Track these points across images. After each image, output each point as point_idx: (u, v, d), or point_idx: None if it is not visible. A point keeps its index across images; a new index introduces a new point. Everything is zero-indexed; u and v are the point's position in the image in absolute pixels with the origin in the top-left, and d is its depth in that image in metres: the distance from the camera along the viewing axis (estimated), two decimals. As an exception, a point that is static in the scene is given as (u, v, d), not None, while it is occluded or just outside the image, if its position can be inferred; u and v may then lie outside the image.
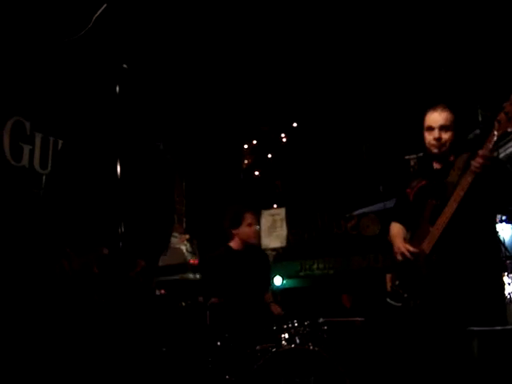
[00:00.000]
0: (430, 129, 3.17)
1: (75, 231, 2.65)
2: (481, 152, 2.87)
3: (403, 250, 3.11)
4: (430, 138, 3.18)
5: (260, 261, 4.66)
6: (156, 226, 2.82)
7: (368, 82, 6.58)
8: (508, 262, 5.83)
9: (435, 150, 3.18)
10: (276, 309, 4.46)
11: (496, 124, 2.87)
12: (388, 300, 3.22)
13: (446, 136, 3.13)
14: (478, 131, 5.99)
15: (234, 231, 4.50)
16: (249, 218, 4.50)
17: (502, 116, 2.85)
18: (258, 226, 4.69)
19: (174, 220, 3.12)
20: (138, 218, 2.65)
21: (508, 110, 2.83)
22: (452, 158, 3.18)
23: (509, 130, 2.84)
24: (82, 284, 2.54)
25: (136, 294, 2.65)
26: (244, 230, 4.48)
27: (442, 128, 3.13)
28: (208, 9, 5.02)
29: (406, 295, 3.10)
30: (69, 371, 2.50)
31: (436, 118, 3.16)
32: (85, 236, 2.64)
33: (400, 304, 3.14)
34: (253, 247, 4.69)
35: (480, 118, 6.10)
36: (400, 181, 3.56)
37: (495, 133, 2.86)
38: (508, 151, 6.45)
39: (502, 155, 6.20)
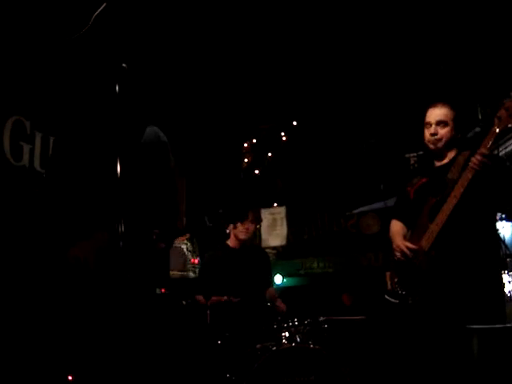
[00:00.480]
0: (428, 124, 3.18)
1: (76, 217, 2.66)
2: (480, 150, 2.87)
3: (402, 247, 3.11)
4: (427, 133, 3.19)
5: (258, 259, 4.66)
6: (159, 201, 2.83)
7: (368, 80, 6.58)
8: (508, 259, 5.83)
9: (431, 146, 3.19)
10: (281, 305, 4.45)
11: (496, 120, 2.87)
12: (386, 297, 3.22)
13: (442, 131, 3.13)
14: (477, 129, 5.99)
15: (228, 228, 4.52)
16: (249, 215, 4.50)
17: (502, 112, 2.85)
18: (254, 225, 4.63)
19: (176, 191, 3.11)
20: (140, 197, 2.67)
21: (508, 105, 2.83)
22: (453, 155, 3.18)
23: (509, 125, 2.83)
24: (100, 269, 2.55)
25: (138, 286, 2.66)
26: (237, 226, 4.49)
27: (439, 123, 3.14)
28: (207, 7, 5.02)
29: (404, 292, 3.10)
30: (72, 366, 2.51)
31: (434, 113, 3.17)
32: (85, 221, 2.66)
33: (398, 301, 3.14)
34: (251, 246, 4.69)
35: (480, 116, 6.10)
36: (400, 179, 3.56)
37: (496, 129, 2.86)
38: (508, 149, 6.44)
39: (502, 153, 6.19)
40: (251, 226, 4.54)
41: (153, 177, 2.82)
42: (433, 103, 3.22)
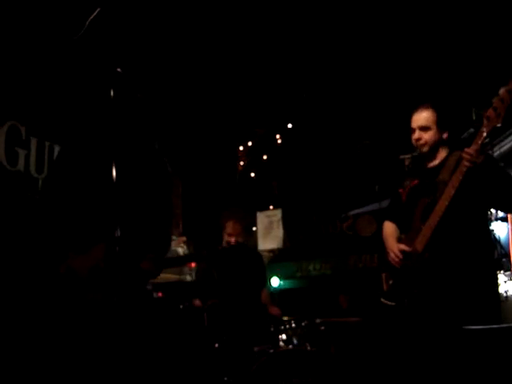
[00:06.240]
0: (412, 130, 3.21)
1: (74, 231, 2.66)
2: (466, 149, 2.88)
3: (395, 250, 3.12)
4: (412, 139, 3.22)
5: (252, 259, 4.67)
6: (156, 223, 2.84)
7: (362, 82, 6.60)
8: (503, 259, 5.85)
9: (418, 150, 3.22)
10: (274, 310, 4.46)
11: (485, 120, 2.88)
12: (382, 300, 3.23)
13: (426, 136, 3.16)
14: (471, 130, 6.01)
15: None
16: (228, 226, 4.49)
17: (490, 112, 2.86)
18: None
19: (172, 216, 3.13)
20: (136, 217, 2.67)
21: (496, 105, 2.84)
22: (443, 155, 3.20)
23: (498, 125, 2.85)
24: (91, 283, 2.55)
25: (137, 292, 2.67)
26: (224, 236, 4.51)
27: (422, 129, 3.16)
28: (202, 13, 5.03)
29: (400, 294, 3.11)
30: (71, 372, 2.50)
31: (416, 118, 3.20)
32: (83, 236, 2.65)
33: (394, 303, 3.14)
34: (242, 247, 4.66)
35: (474, 117, 6.12)
36: (395, 180, 3.57)
37: (484, 129, 2.88)
38: (503, 149, 6.47)
39: (496, 153, 6.22)
40: (233, 231, 4.50)
41: (153, 202, 2.83)
42: (415, 108, 3.24)
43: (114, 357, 2.35)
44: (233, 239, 4.44)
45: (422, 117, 3.16)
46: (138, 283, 2.69)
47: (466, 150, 2.89)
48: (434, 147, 3.18)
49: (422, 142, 3.16)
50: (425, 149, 3.18)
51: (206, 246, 5.43)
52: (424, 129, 3.15)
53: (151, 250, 2.74)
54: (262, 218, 8.35)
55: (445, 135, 3.19)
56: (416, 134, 3.18)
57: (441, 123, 3.16)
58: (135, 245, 2.63)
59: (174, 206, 3.29)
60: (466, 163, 2.88)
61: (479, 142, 2.87)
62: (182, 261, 4.39)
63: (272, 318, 4.25)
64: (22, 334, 3.58)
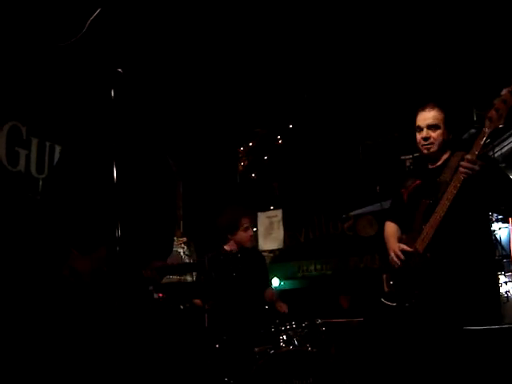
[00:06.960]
0: (419, 129, 3.18)
1: (76, 232, 2.67)
2: (466, 156, 2.87)
3: (397, 250, 3.12)
4: (419, 137, 3.19)
5: (255, 261, 4.66)
6: (158, 227, 2.84)
7: (363, 82, 6.60)
8: (504, 261, 5.85)
9: (425, 150, 3.19)
10: (282, 307, 4.43)
11: (487, 121, 2.87)
12: (383, 300, 3.22)
13: (434, 135, 3.13)
14: (472, 130, 6.01)
15: (229, 236, 4.51)
16: (245, 222, 4.51)
17: (492, 113, 2.85)
18: (254, 229, 4.68)
19: (175, 222, 3.14)
20: (138, 219, 2.67)
21: (498, 106, 2.83)
22: (446, 157, 3.19)
23: (500, 126, 2.84)
24: (94, 284, 2.56)
25: (139, 294, 2.67)
26: (240, 234, 4.49)
27: (430, 127, 3.13)
28: (202, 14, 5.03)
29: (400, 295, 3.11)
30: (73, 373, 2.51)
31: (424, 117, 3.16)
32: (85, 237, 2.66)
33: (395, 304, 3.14)
34: (247, 249, 4.68)
35: (475, 118, 6.12)
36: (396, 181, 3.56)
37: (486, 130, 2.87)
38: (504, 150, 6.47)
39: (497, 154, 6.21)
40: (251, 231, 4.59)
41: (155, 204, 2.83)
42: (422, 106, 3.21)
43: (116, 357, 2.35)
44: (251, 231, 4.54)
45: (431, 115, 3.13)
46: (139, 284, 2.70)
47: (462, 163, 2.88)
48: (442, 147, 3.16)
49: (431, 140, 3.13)
50: (433, 149, 3.15)
51: (206, 248, 5.42)
52: (433, 127, 3.13)
53: (153, 251, 2.74)
54: (262, 218, 8.35)
55: (450, 135, 3.18)
56: (424, 133, 3.14)
57: (448, 123, 3.15)
58: (137, 246, 2.63)
59: (176, 207, 3.29)
60: (463, 175, 2.87)
61: (481, 142, 2.86)
62: (184, 269, 4.38)
63: (274, 318, 4.24)
64: (26, 335, 3.58)
